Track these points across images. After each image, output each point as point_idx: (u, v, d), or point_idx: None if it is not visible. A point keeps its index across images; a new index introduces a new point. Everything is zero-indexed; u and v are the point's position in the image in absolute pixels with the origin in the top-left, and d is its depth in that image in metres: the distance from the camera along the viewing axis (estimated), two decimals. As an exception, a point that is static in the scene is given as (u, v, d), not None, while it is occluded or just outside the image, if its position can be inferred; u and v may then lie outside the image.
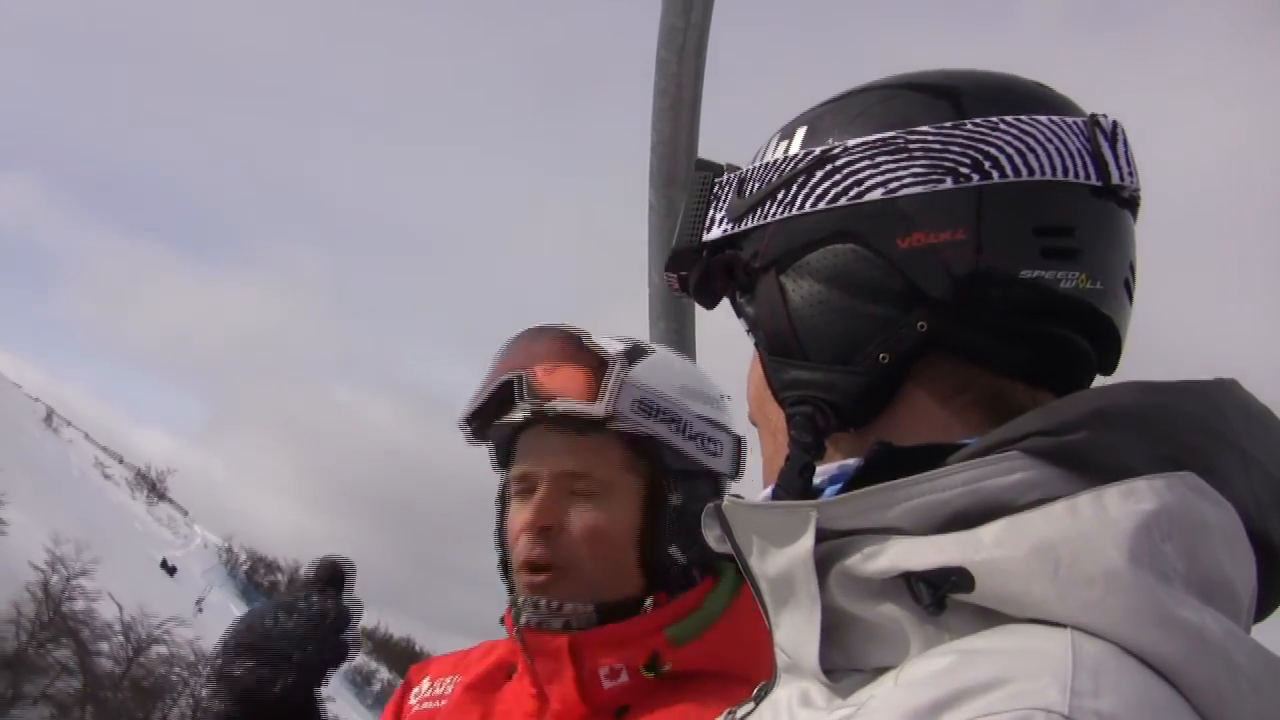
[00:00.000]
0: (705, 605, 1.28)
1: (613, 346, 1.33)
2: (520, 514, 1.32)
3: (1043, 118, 0.74)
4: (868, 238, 0.74)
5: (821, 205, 0.76)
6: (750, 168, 0.82)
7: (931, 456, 0.69)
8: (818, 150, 0.77)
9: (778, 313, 0.78)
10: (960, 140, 0.73)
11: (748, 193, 0.80)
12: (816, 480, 0.77)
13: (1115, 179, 0.74)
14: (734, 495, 0.77)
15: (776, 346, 0.78)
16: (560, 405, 1.28)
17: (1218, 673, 0.61)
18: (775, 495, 0.78)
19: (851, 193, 0.75)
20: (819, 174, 0.76)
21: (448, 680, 1.42)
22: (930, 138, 0.73)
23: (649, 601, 1.28)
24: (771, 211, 0.78)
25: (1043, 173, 0.72)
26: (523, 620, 1.29)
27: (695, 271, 0.85)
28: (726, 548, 0.77)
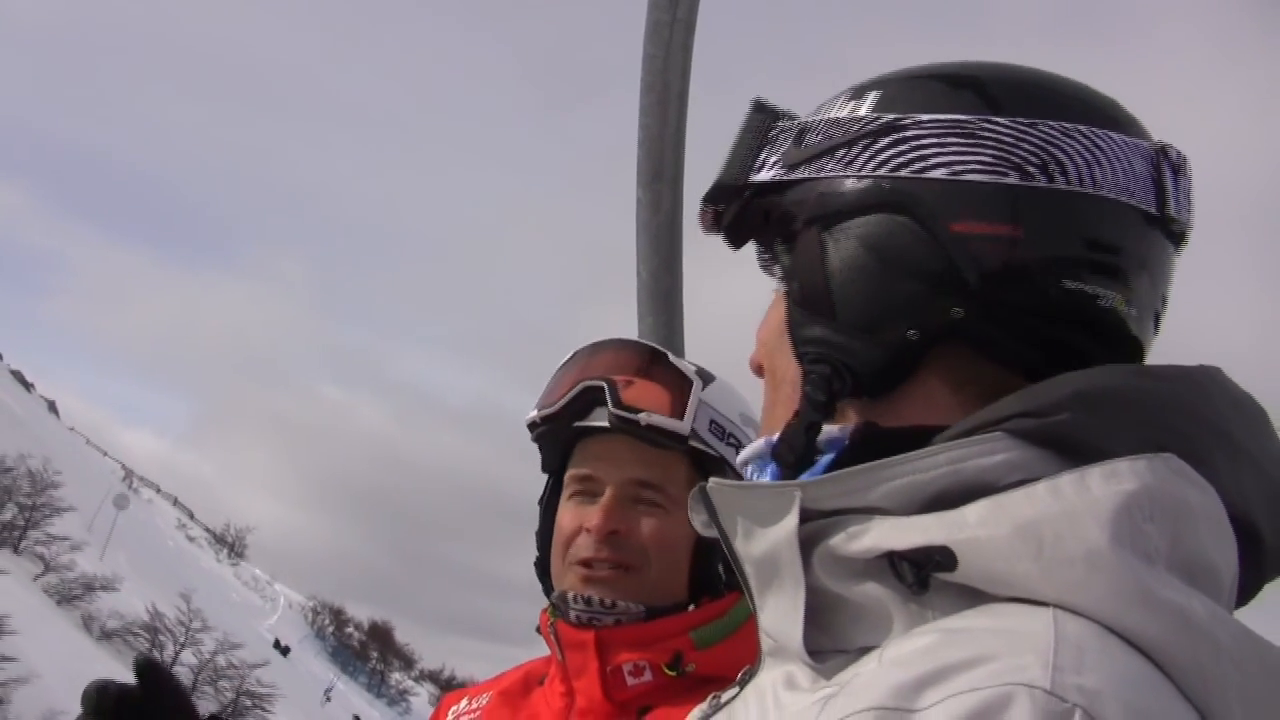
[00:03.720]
0: (731, 613, 1.32)
1: (688, 367, 1.38)
2: (579, 514, 1.35)
3: (1116, 135, 0.74)
4: (921, 214, 0.73)
5: (882, 172, 0.75)
6: (814, 120, 0.80)
7: (918, 438, 0.69)
8: (887, 117, 0.76)
9: (815, 268, 0.77)
10: (1033, 139, 0.73)
11: (806, 143, 0.79)
12: (819, 439, 0.76)
13: (1171, 211, 0.74)
14: (719, 479, 0.77)
15: (807, 301, 0.77)
16: (651, 419, 1.32)
17: (1201, 652, 0.61)
18: (777, 448, 0.77)
19: (914, 166, 0.74)
20: (884, 140, 0.75)
21: (483, 695, 1.47)
22: (1003, 130, 0.73)
23: (692, 608, 1.33)
24: (829, 167, 0.77)
25: (1105, 188, 0.72)
26: (571, 616, 1.32)
27: (732, 209, 0.84)
28: (713, 532, 0.77)
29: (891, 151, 0.75)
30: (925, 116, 0.75)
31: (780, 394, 0.80)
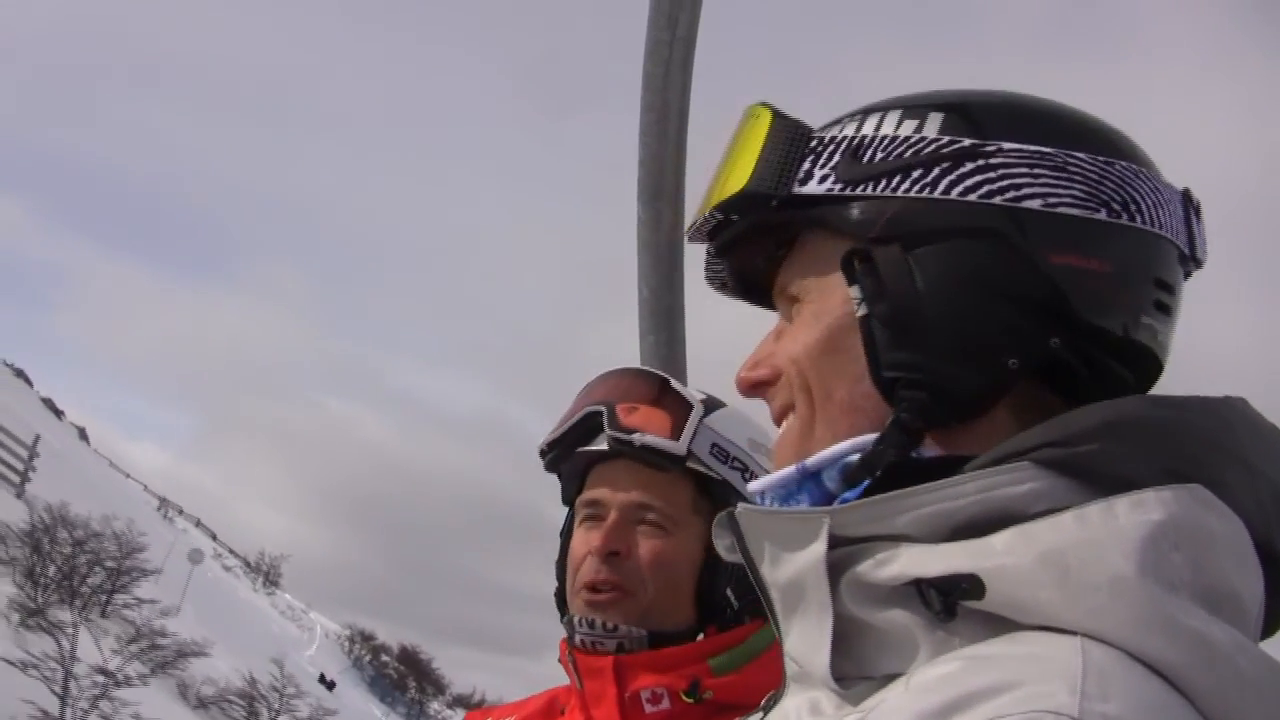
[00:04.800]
0: (750, 641, 1.32)
1: (694, 395, 1.41)
2: (587, 539, 1.37)
3: (1162, 179, 0.77)
4: (1020, 242, 0.73)
5: (971, 197, 0.74)
6: (866, 135, 0.78)
7: (945, 467, 0.69)
8: (966, 141, 0.75)
9: (904, 289, 0.74)
10: (1114, 177, 0.74)
11: (866, 159, 0.77)
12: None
13: (1199, 253, 0.78)
14: (744, 502, 0.76)
15: (896, 322, 0.75)
16: (644, 439, 1.34)
17: (1224, 680, 0.61)
18: (853, 468, 0.74)
19: (1008, 194, 0.73)
20: (968, 165, 0.74)
21: None
22: (1088, 166, 0.74)
23: (701, 636, 1.33)
24: (903, 186, 0.75)
25: (1166, 229, 0.75)
26: (576, 639, 1.33)
27: (748, 220, 0.81)
28: (737, 557, 0.77)
29: (980, 177, 0.74)
30: (1010, 145, 0.74)
31: (825, 414, 0.78)
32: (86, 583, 20.91)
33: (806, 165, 0.78)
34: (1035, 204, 0.73)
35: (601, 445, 1.37)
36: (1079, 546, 0.62)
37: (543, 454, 1.44)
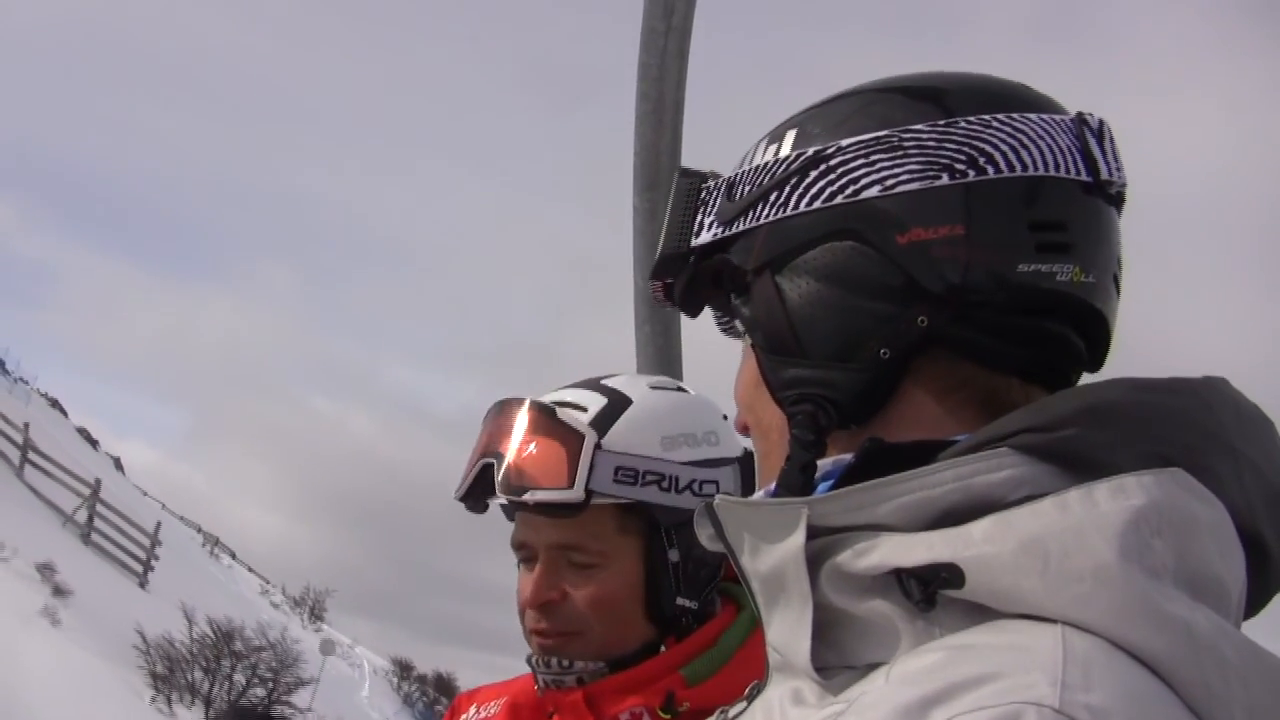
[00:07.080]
0: (720, 642, 1.29)
1: (585, 412, 1.31)
2: (523, 584, 1.33)
3: (1033, 115, 0.75)
4: (866, 234, 0.74)
5: (817, 204, 0.76)
6: (739, 172, 0.81)
7: (922, 453, 0.69)
8: (810, 151, 0.77)
9: (775, 312, 0.77)
10: (955, 138, 0.74)
11: (738, 196, 0.80)
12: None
13: (1104, 175, 0.75)
14: (726, 494, 0.77)
15: (775, 346, 0.78)
16: (535, 496, 1.26)
17: (1207, 667, 0.61)
18: (776, 494, 0.77)
19: (847, 190, 0.75)
20: (813, 174, 0.76)
21: (493, 704, 1.45)
22: (924, 136, 0.74)
23: (663, 649, 1.30)
24: (764, 213, 0.78)
25: (1036, 169, 0.73)
26: (539, 680, 1.32)
27: (682, 278, 0.85)
28: (719, 547, 0.77)
29: (822, 182, 0.76)
30: (846, 141, 0.76)
31: (770, 443, 0.81)
32: (246, 696, 20.48)
33: (699, 216, 0.83)
34: (873, 191, 0.74)
35: (502, 499, 1.31)
36: (1059, 534, 0.62)
37: (461, 502, 1.39)
